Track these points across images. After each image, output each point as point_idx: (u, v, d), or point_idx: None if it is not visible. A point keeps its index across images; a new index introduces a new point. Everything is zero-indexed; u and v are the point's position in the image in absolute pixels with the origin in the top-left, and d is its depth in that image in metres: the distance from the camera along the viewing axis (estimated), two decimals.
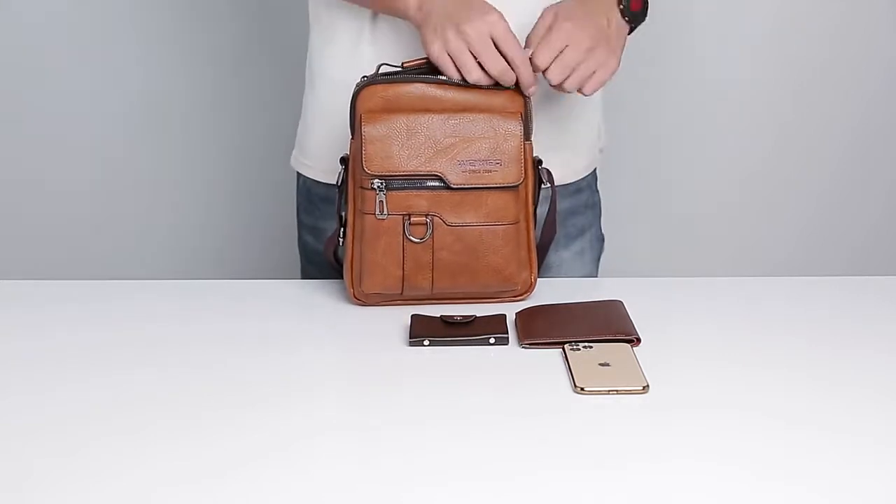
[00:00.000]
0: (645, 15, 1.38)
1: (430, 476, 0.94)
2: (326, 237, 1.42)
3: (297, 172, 1.53)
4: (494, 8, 1.27)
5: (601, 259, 1.57)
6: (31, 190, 2.31)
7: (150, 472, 0.94)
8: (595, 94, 1.36)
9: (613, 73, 1.32)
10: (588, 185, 1.54)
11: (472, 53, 1.26)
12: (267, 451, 0.97)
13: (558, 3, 1.33)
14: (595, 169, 1.56)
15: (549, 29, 1.29)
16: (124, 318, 1.29)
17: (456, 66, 1.27)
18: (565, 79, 1.28)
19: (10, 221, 2.32)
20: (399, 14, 1.35)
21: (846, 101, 2.29)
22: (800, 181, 2.33)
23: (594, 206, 1.56)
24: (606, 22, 1.33)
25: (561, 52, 1.28)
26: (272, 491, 0.91)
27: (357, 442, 1.01)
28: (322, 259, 1.43)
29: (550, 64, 1.28)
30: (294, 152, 1.53)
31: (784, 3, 2.24)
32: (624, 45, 1.35)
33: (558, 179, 1.35)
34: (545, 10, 1.31)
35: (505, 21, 1.27)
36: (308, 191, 1.51)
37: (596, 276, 1.55)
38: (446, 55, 1.27)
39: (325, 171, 1.43)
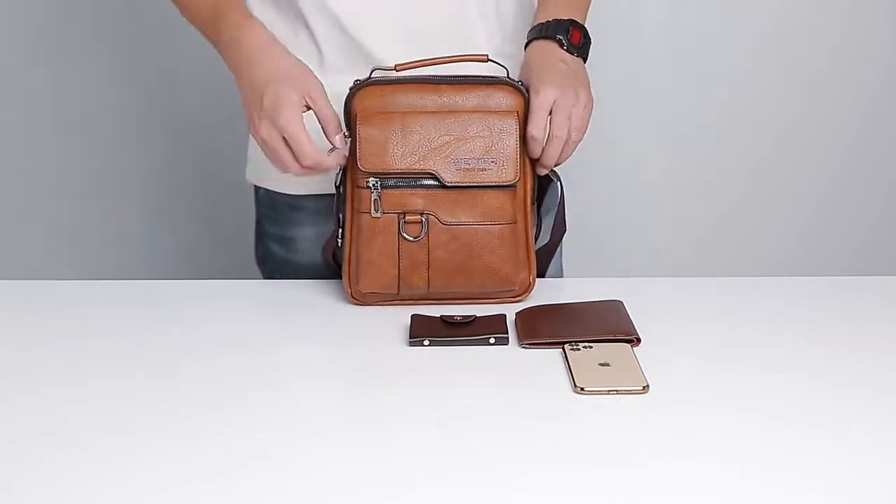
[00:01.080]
0: (588, 40, 1.39)
1: (430, 476, 0.94)
2: (297, 245, 1.42)
3: (256, 187, 1.51)
4: (292, 98, 1.26)
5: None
6: (29, 190, 2.31)
7: (150, 472, 0.94)
8: None
9: (588, 107, 1.33)
10: None
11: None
12: (266, 451, 0.97)
13: (528, 73, 1.34)
14: None
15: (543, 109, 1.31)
16: (122, 319, 1.28)
17: None
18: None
19: (9, 221, 2.32)
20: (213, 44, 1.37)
21: (846, 100, 2.29)
22: (800, 181, 2.33)
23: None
24: (564, 64, 1.35)
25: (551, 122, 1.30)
26: (271, 491, 0.91)
27: (357, 442, 1.01)
28: (292, 267, 1.42)
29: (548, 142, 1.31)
30: (249, 168, 1.51)
31: (784, 3, 2.24)
32: (587, 78, 1.37)
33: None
34: (532, 98, 1.31)
35: (298, 116, 1.25)
36: (272, 200, 1.49)
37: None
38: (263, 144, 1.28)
39: (292, 182, 1.41)
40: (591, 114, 1.34)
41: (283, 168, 1.27)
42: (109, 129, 2.29)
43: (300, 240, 1.42)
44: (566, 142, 1.31)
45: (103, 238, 2.34)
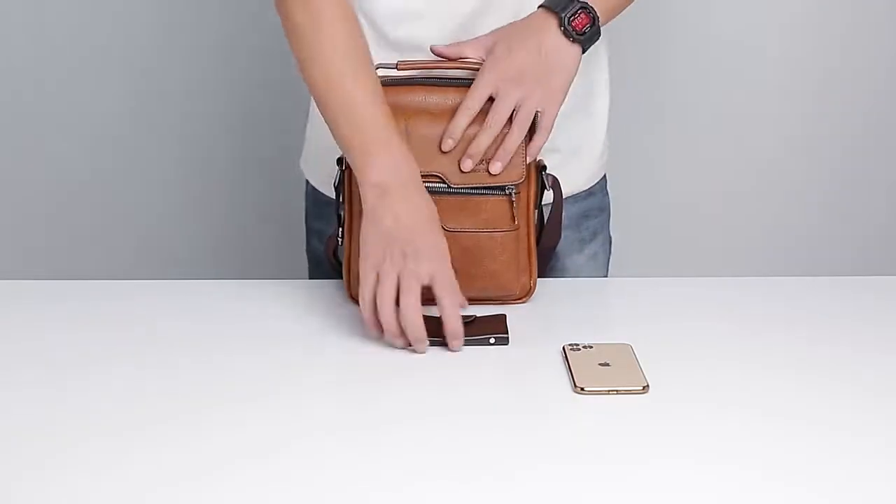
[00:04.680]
0: (597, 33, 1.29)
1: (430, 475, 0.94)
2: None
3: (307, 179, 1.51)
4: (441, 252, 1.19)
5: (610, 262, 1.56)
6: (34, 190, 2.31)
7: (150, 471, 0.94)
8: (602, 107, 1.40)
9: (542, 103, 1.26)
10: (600, 188, 1.51)
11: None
12: (266, 451, 0.97)
13: (492, 34, 1.28)
14: (605, 174, 1.54)
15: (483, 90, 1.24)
16: (124, 318, 1.28)
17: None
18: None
19: (9, 221, 2.32)
20: (351, 163, 1.24)
21: (848, 102, 2.29)
22: (801, 182, 2.33)
23: (605, 209, 1.53)
24: (539, 54, 1.26)
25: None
26: (271, 489, 0.91)
27: (356, 441, 1.01)
28: (329, 264, 1.42)
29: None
30: (303, 160, 1.52)
31: (790, 6, 2.24)
32: (568, 67, 1.27)
33: (570, 189, 1.34)
34: (482, 70, 1.25)
35: (448, 268, 1.19)
36: (316, 197, 1.49)
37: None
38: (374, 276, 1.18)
39: (328, 182, 1.42)
40: (552, 117, 1.27)
41: (381, 331, 1.18)
42: (117, 125, 2.29)
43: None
44: (504, 136, 1.24)
45: (104, 237, 2.34)
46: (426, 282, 1.18)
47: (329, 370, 1.19)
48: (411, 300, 1.17)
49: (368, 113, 1.22)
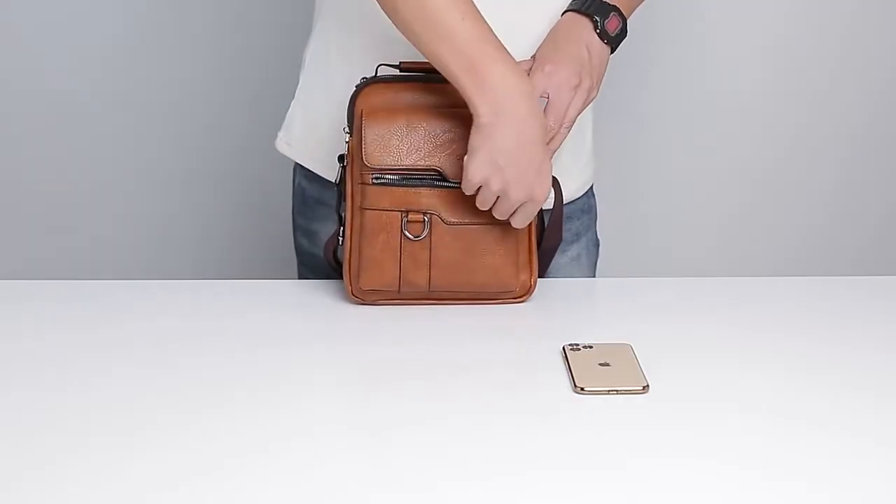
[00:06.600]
0: (624, 33, 1.34)
1: (429, 476, 0.94)
2: (319, 239, 1.42)
3: (294, 174, 1.51)
4: (549, 181, 1.24)
5: (598, 264, 1.55)
6: (31, 189, 2.31)
7: (150, 471, 0.94)
8: (585, 120, 1.40)
9: (588, 100, 1.30)
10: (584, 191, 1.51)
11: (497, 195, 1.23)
12: (265, 451, 0.97)
13: (538, 53, 1.30)
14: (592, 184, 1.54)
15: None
16: (122, 318, 1.28)
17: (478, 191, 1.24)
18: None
19: (9, 221, 2.32)
20: (461, 90, 1.23)
21: (848, 102, 2.29)
22: (800, 182, 2.33)
23: (590, 211, 1.52)
24: (587, 53, 1.30)
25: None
26: (271, 490, 0.91)
27: (356, 442, 1.01)
28: (316, 262, 1.42)
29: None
30: (287, 138, 1.48)
31: (788, 6, 2.24)
32: (605, 69, 1.32)
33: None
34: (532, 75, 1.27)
35: (544, 199, 1.25)
36: (302, 192, 1.49)
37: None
38: (477, 187, 1.23)
39: (323, 164, 1.41)
40: (587, 105, 1.31)
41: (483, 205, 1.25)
42: (115, 126, 2.29)
43: (322, 234, 1.41)
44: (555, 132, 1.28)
45: (104, 238, 2.34)
46: (517, 206, 1.24)
47: (329, 371, 1.19)
48: (506, 209, 1.24)
49: (466, 34, 1.22)
